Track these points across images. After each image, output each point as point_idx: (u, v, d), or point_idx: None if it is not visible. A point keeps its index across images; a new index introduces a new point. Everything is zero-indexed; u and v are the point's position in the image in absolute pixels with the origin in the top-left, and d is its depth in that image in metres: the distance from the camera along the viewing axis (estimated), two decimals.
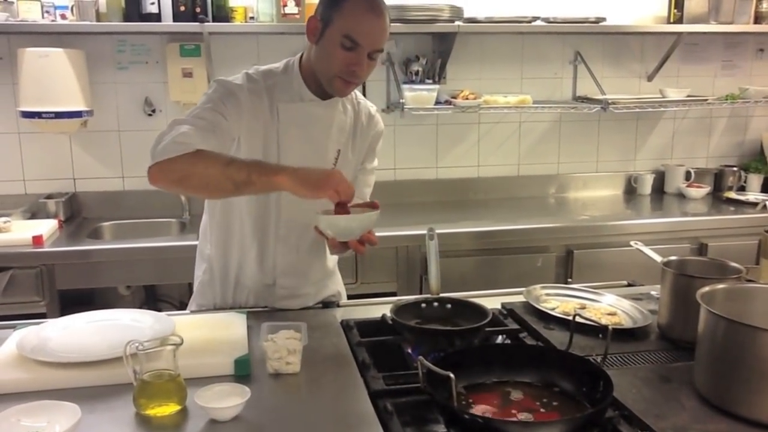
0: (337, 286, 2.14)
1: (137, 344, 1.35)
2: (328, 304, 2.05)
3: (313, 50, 1.80)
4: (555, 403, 1.39)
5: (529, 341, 1.74)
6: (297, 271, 1.98)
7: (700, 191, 3.83)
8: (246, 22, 3.25)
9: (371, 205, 1.76)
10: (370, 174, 2.07)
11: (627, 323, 1.84)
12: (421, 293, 2.94)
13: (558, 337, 1.71)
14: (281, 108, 1.82)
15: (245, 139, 1.80)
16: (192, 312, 2.01)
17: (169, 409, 1.35)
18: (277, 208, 1.89)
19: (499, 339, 1.77)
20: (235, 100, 1.76)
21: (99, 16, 3.11)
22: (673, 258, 1.80)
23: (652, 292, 2.06)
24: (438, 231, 1.95)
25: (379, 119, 2.05)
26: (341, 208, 1.61)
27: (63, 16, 3.05)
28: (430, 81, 3.50)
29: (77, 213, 3.36)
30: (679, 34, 3.64)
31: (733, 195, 3.81)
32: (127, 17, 3.11)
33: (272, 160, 1.81)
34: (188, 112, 1.74)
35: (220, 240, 1.97)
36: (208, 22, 3.11)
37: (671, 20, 3.69)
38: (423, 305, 1.84)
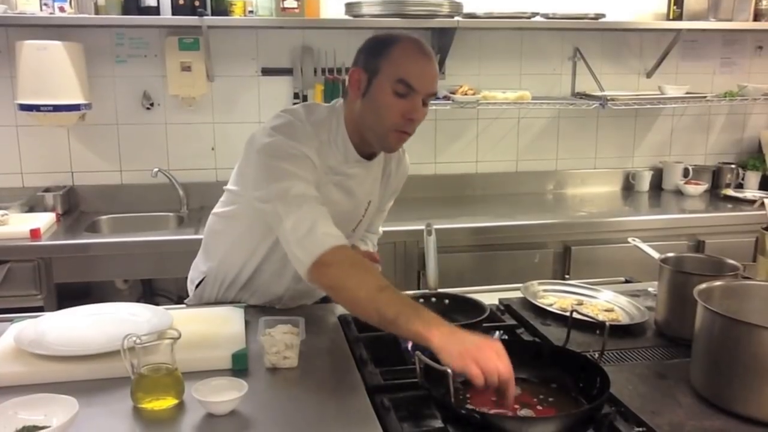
0: None
1: (135, 338, 1.36)
2: (326, 298, 2.05)
3: (358, 104, 1.70)
4: (552, 399, 1.39)
5: (527, 337, 1.74)
6: (305, 295, 1.97)
7: (698, 188, 3.83)
8: (245, 15, 3.24)
9: (371, 257, 1.77)
10: (385, 212, 2.08)
11: (624, 320, 1.85)
12: (418, 288, 2.94)
13: (555, 333, 1.72)
14: (326, 167, 1.74)
15: None
16: (189, 306, 2.00)
17: (166, 402, 1.36)
18: None
19: (497, 334, 1.77)
20: (306, 166, 1.66)
21: (98, 9, 3.10)
22: (670, 255, 1.80)
23: (650, 289, 2.06)
24: (436, 226, 1.95)
25: (407, 161, 2.02)
26: (500, 394, 1.30)
27: (61, 9, 3.04)
28: None
29: (75, 206, 3.36)
30: (679, 30, 3.64)
31: (730, 192, 3.81)
32: (125, 10, 3.10)
33: None
34: (272, 184, 1.62)
35: (240, 253, 1.88)
36: (207, 15, 3.10)
37: (670, 17, 3.69)
38: (421, 300, 1.83)
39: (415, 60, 1.65)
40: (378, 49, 1.67)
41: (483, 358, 1.27)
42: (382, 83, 1.64)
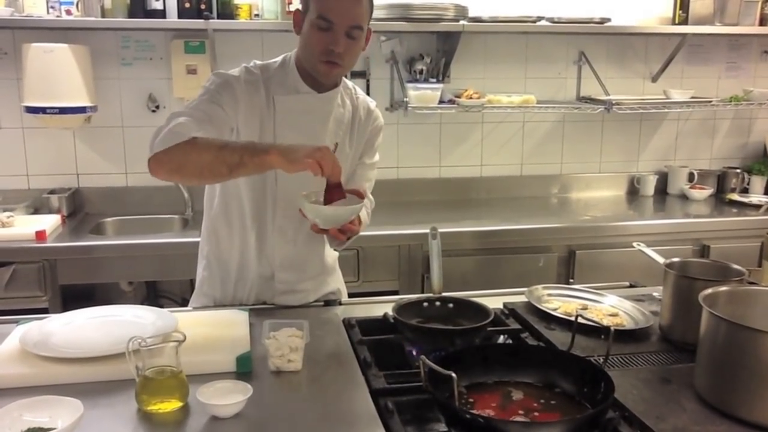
0: (337, 283, 2.14)
1: (140, 340, 1.36)
2: (329, 302, 2.05)
3: (298, 41, 1.85)
4: (556, 403, 1.39)
5: (531, 341, 1.74)
6: (294, 265, 1.98)
7: (702, 193, 3.82)
8: (251, 19, 3.25)
9: (356, 193, 1.77)
10: (370, 169, 2.07)
11: (628, 324, 1.84)
12: (423, 292, 2.94)
13: (559, 338, 1.71)
14: (277, 100, 1.85)
15: (242, 129, 1.82)
16: (194, 309, 2.01)
17: (170, 405, 1.36)
18: (273, 198, 1.90)
19: (501, 339, 1.77)
20: (231, 90, 1.79)
21: (104, 12, 3.12)
22: (675, 260, 1.80)
23: (654, 294, 2.06)
24: (440, 230, 1.95)
25: (378, 114, 2.06)
26: (333, 190, 1.65)
27: (68, 12, 3.05)
28: (434, 80, 3.50)
29: (80, 208, 3.37)
30: (684, 35, 3.64)
31: (735, 197, 3.80)
32: (131, 13, 3.11)
33: (264, 140, 1.84)
34: (186, 104, 1.78)
35: (219, 234, 1.99)
36: (213, 19, 3.11)
37: (676, 21, 3.68)
38: (425, 304, 1.84)
39: None
40: None
41: (318, 155, 1.53)
42: (309, 20, 1.77)
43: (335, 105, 1.92)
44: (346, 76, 2.02)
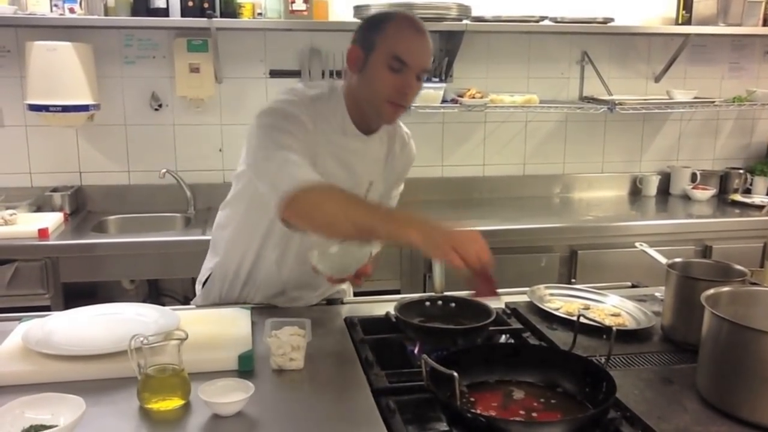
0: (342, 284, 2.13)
1: (142, 338, 1.36)
2: (332, 301, 2.05)
3: (355, 80, 1.75)
4: (557, 403, 1.39)
5: (533, 341, 1.74)
6: (307, 285, 1.97)
7: (705, 193, 3.82)
8: (254, 17, 3.25)
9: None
10: (395, 197, 2.07)
11: (631, 324, 1.84)
12: (424, 291, 2.94)
13: (561, 338, 1.71)
14: (323, 139, 1.76)
15: None
16: (197, 307, 2.01)
17: (172, 403, 1.36)
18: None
19: (503, 338, 1.77)
20: (298, 128, 1.70)
21: (107, 11, 3.12)
22: (677, 260, 1.80)
23: (656, 294, 2.06)
24: None
25: (412, 146, 2.03)
26: (481, 281, 1.48)
27: (71, 10, 3.05)
28: (437, 79, 3.50)
29: (82, 206, 3.37)
30: (687, 35, 3.64)
31: (738, 197, 3.80)
32: (135, 12, 3.12)
33: None
34: (264, 142, 1.67)
35: (241, 241, 1.92)
36: (216, 17, 3.11)
37: (679, 21, 3.68)
38: (427, 303, 1.84)
39: (409, 36, 1.69)
40: (374, 25, 1.72)
41: (461, 245, 1.40)
42: (378, 59, 1.69)
43: (375, 143, 1.88)
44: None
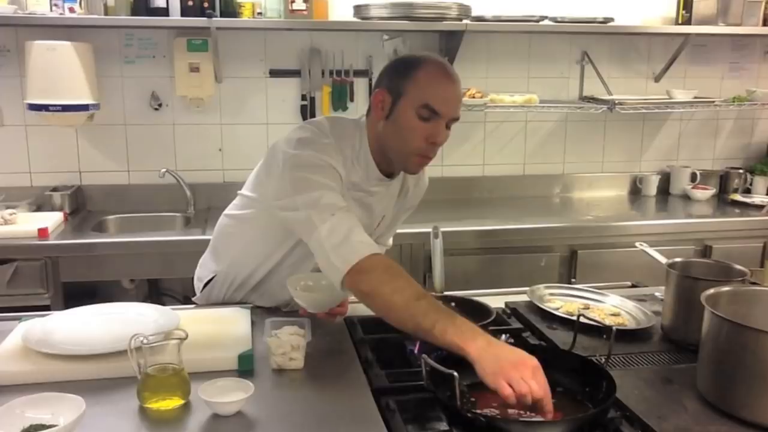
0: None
1: (142, 338, 1.36)
2: None
3: (381, 125, 1.70)
4: (558, 403, 1.38)
5: (533, 341, 1.74)
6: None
7: (705, 193, 3.82)
8: (254, 17, 3.25)
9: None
10: (400, 224, 2.07)
11: (631, 324, 1.84)
12: None
13: (561, 337, 1.72)
14: (349, 183, 1.73)
15: None
16: (196, 306, 2.01)
17: (172, 402, 1.36)
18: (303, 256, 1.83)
19: (503, 338, 1.77)
20: (333, 178, 1.66)
21: (107, 10, 3.12)
22: (677, 260, 1.80)
23: (656, 294, 2.06)
24: (442, 229, 1.95)
25: (425, 180, 2.00)
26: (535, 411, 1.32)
27: (71, 10, 3.05)
28: None
29: (82, 206, 3.37)
30: (687, 35, 3.63)
31: (738, 197, 3.80)
32: (134, 11, 3.11)
33: None
34: (304, 195, 1.60)
35: (252, 259, 1.89)
36: (216, 17, 3.11)
37: (679, 21, 3.68)
38: None
39: (441, 84, 1.64)
40: (403, 71, 1.66)
41: (516, 378, 1.28)
42: (407, 106, 1.63)
43: (394, 185, 1.86)
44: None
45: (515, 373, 1.29)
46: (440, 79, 1.64)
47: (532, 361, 1.33)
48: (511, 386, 1.28)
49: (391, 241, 2.13)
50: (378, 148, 1.74)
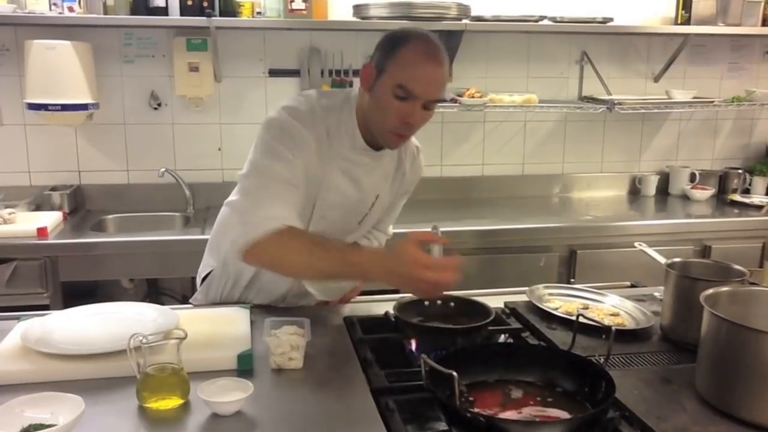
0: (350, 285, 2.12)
1: (141, 337, 1.36)
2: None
3: (366, 98, 1.71)
4: (557, 403, 1.39)
5: (532, 341, 1.74)
6: (307, 293, 1.96)
7: (704, 193, 3.82)
8: (253, 17, 3.25)
9: None
10: (399, 210, 2.07)
11: (630, 324, 1.84)
12: None
13: (561, 337, 1.72)
14: (332, 153, 1.75)
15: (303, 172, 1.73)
16: (195, 306, 2.01)
17: (172, 402, 1.36)
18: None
19: (502, 338, 1.77)
20: (301, 148, 1.69)
21: (106, 9, 3.11)
22: (676, 260, 1.80)
23: (655, 294, 2.06)
24: (442, 229, 1.94)
25: (421, 160, 2.00)
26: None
27: (70, 9, 3.05)
28: None
29: (81, 205, 3.37)
30: (686, 35, 3.64)
31: (737, 197, 3.80)
32: (134, 11, 3.11)
33: (312, 193, 1.75)
34: (258, 158, 1.69)
35: None
36: (215, 16, 3.11)
37: (679, 21, 3.68)
38: (426, 303, 1.84)
39: (419, 65, 1.63)
40: (388, 47, 1.66)
41: (418, 291, 1.55)
42: (386, 84, 1.64)
43: (385, 160, 1.86)
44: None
45: (418, 280, 1.45)
46: (419, 60, 1.63)
47: (424, 259, 1.46)
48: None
49: (391, 229, 2.13)
50: (363, 118, 1.75)
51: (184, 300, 3.13)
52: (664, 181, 3.99)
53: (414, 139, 1.95)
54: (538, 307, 1.91)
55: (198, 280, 2.08)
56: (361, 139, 1.77)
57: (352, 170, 1.79)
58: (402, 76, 1.61)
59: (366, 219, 1.93)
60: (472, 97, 3.42)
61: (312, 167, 1.71)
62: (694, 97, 3.70)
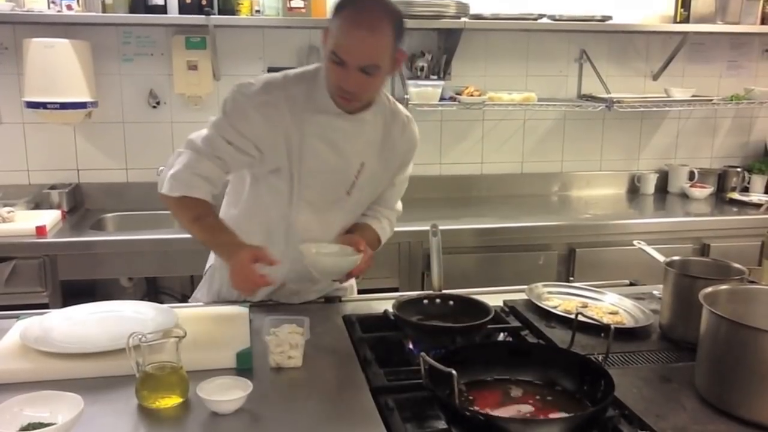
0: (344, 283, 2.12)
1: (140, 336, 1.36)
2: (330, 298, 2.05)
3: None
4: (556, 401, 1.39)
5: (531, 339, 1.74)
6: (307, 279, 1.93)
7: (703, 191, 3.82)
8: (252, 15, 3.24)
9: (353, 244, 1.80)
10: (403, 182, 2.06)
11: (629, 323, 1.84)
12: (423, 289, 2.94)
13: (560, 336, 1.72)
14: (306, 119, 1.77)
15: (267, 148, 1.78)
16: (194, 304, 2.01)
17: (171, 401, 1.36)
18: (289, 222, 1.88)
19: (501, 336, 1.77)
20: (243, 119, 1.75)
21: (105, 8, 3.11)
22: (675, 258, 1.80)
23: (654, 292, 2.06)
24: (441, 227, 1.95)
25: (413, 130, 1.99)
26: None
27: (69, 7, 3.04)
28: (435, 77, 3.50)
29: (80, 204, 3.36)
30: (685, 33, 3.64)
31: (736, 196, 3.80)
32: (132, 9, 3.11)
33: (295, 168, 1.80)
34: (205, 131, 1.85)
35: (242, 237, 1.89)
36: (214, 14, 3.11)
37: (677, 20, 3.67)
38: (425, 301, 1.84)
39: (349, 32, 1.63)
40: (332, 13, 1.69)
41: (242, 285, 1.70)
42: (327, 48, 1.68)
43: (367, 125, 1.84)
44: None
45: (243, 285, 1.69)
46: (349, 26, 1.64)
47: (238, 272, 1.68)
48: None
49: (399, 205, 2.11)
50: None
51: (183, 299, 3.13)
52: (663, 179, 3.99)
53: (404, 110, 1.98)
54: (537, 305, 1.91)
55: (204, 276, 2.11)
56: (332, 103, 1.78)
57: (329, 134, 1.80)
58: (334, 42, 1.65)
59: (354, 188, 1.90)
60: (471, 95, 3.42)
61: (280, 134, 1.77)
62: (693, 96, 3.71)
